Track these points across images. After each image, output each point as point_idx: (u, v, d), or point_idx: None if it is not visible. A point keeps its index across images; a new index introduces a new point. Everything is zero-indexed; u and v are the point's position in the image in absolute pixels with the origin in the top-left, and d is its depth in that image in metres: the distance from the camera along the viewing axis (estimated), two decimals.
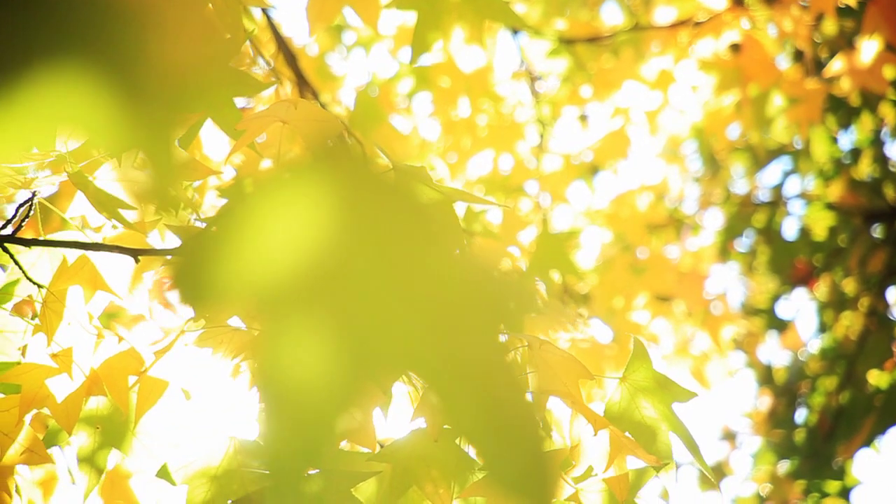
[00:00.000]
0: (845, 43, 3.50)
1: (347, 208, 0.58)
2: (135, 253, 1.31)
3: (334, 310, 0.60)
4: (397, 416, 1.36)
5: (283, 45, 2.48)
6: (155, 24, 0.55)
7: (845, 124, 4.59)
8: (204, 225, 1.27)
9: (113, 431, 1.36)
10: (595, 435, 1.28)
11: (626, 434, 1.34)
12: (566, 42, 3.59)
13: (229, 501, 1.32)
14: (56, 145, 1.35)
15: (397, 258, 0.58)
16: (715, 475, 5.26)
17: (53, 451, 1.40)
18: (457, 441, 1.34)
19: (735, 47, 3.23)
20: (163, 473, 1.36)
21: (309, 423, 0.60)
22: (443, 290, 0.57)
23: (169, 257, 1.33)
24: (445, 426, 1.31)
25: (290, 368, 0.61)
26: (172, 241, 1.38)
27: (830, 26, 3.58)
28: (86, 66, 0.56)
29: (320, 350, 0.60)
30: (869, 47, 3.12)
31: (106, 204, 1.29)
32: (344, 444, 1.37)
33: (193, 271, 0.59)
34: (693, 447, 1.36)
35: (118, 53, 0.56)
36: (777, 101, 3.28)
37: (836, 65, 3.19)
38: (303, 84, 2.69)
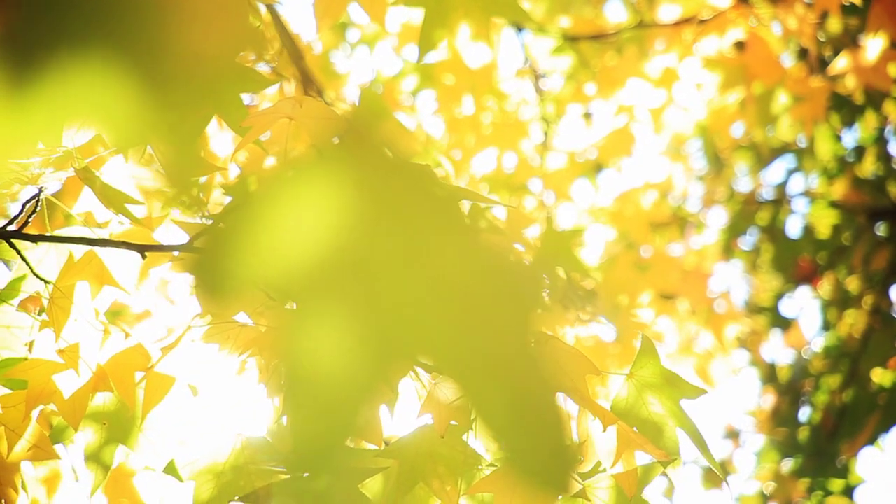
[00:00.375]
0: (850, 41, 3.50)
1: (370, 198, 0.58)
2: (141, 249, 1.31)
3: (356, 300, 0.59)
4: (404, 413, 1.36)
5: (288, 42, 2.48)
6: (181, 13, 0.55)
7: (849, 122, 4.59)
8: (214, 220, 1.27)
9: (119, 428, 1.36)
10: (604, 431, 1.28)
11: (634, 430, 1.33)
12: (570, 39, 3.59)
13: (236, 498, 1.32)
14: (63, 141, 1.35)
15: (418, 248, 0.57)
16: (721, 472, 5.26)
17: (57, 449, 1.40)
18: (464, 437, 1.34)
19: (739, 45, 3.23)
20: (169, 470, 1.36)
21: (331, 413, 0.60)
22: (465, 279, 0.57)
23: (176, 253, 1.33)
24: (453, 422, 1.31)
25: (312, 358, 0.60)
26: (180, 237, 1.38)
27: (835, 24, 3.57)
28: (110, 55, 0.56)
29: (342, 340, 0.60)
30: (874, 45, 3.11)
31: (113, 199, 1.29)
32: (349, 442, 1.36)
33: (214, 262, 0.59)
34: (701, 443, 1.36)
35: (143, 43, 0.56)
36: (781, 99, 3.28)
37: (841, 63, 3.19)
38: (307, 82, 2.69)
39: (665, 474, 1.35)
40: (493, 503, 1.29)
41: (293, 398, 0.61)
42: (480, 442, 1.32)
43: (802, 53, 3.70)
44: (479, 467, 1.35)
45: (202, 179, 1.90)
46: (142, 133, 0.56)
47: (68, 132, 1.25)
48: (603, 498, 1.32)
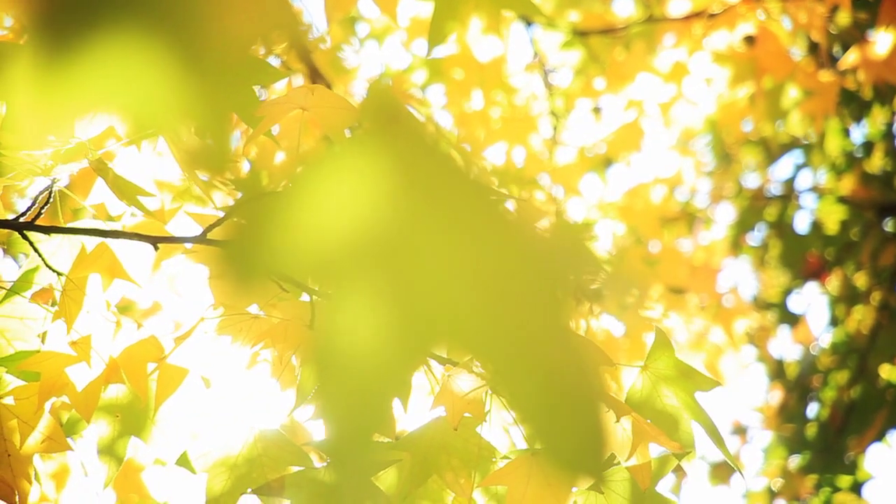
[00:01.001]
0: (860, 35, 3.49)
1: (403, 180, 0.57)
2: (154, 240, 1.30)
3: (389, 282, 0.59)
4: (416, 406, 1.35)
5: (296, 36, 2.47)
6: None
7: (857, 118, 4.58)
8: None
9: (132, 420, 1.36)
10: (617, 422, 1.27)
11: (648, 422, 1.33)
12: (580, 34, 3.58)
13: (248, 490, 1.31)
14: (77, 131, 1.35)
15: (451, 230, 0.57)
16: (728, 468, 5.25)
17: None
18: (478, 429, 1.34)
19: (749, 39, 3.22)
20: (182, 462, 1.35)
21: (365, 399, 0.59)
22: (500, 260, 0.56)
23: (189, 245, 1.33)
24: (467, 414, 1.30)
25: (344, 344, 0.60)
26: (192, 230, 1.37)
27: (845, 18, 3.56)
28: (147, 33, 0.55)
29: (375, 323, 0.59)
30: (884, 39, 3.10)
31: (125, 191, 1.28)
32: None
33: (245, 248, 0.59)
34: (716, 436, 1.35)
35: (180, 22, 0.55)
36: (791, 93, 3.27)
37: (851, 57, 3.18)
38: (316, 76, 2.68)
39: (680, 467, 1.34)
40: (507, 496, 1.29)
41: (326, 385, 0.60)
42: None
43: (812, 48, 3.69)
44: (493, 459, 1.35)
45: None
46: (178, 114, 0.56)
47: (88, 120, 1.24)
48: (617, 491, 1.31)
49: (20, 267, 1.41)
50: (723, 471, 5.18)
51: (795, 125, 3.62)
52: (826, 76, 3.22)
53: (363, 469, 0.60)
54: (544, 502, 1.29)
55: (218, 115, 0.56)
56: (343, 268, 0.58)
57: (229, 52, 0.56)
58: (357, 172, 0.58)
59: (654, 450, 1.31)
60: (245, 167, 2.28)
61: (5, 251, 1.41)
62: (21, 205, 1.97)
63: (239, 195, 1.35)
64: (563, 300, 0.56)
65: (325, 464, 1.31)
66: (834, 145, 4.73)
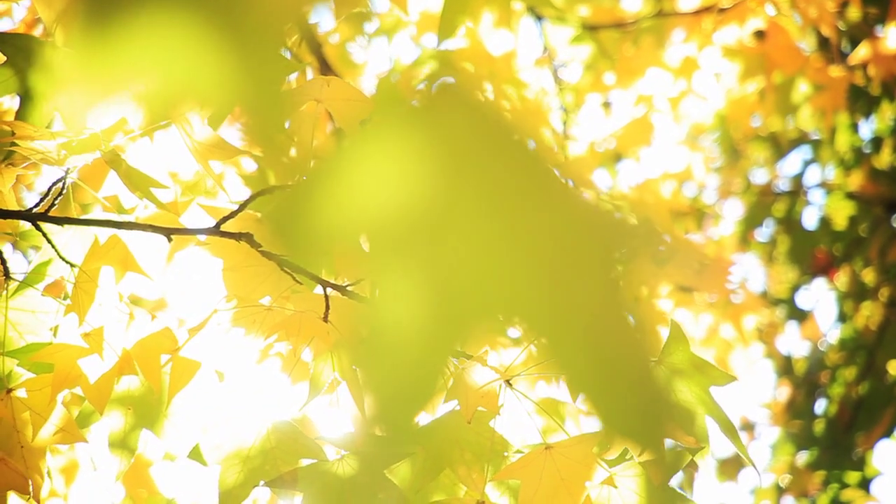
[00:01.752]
0: (870, 30, 3.47)
1: (454, 151, 0.57)
2: (167, 232, 1.30)
3: (443, 251, 0.58)
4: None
5: (307, 31, 2.47)
6: None
7: (866, 113, 4.57)
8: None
9: (145, 412, 1.36)
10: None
11: None
12: (589, 28, 3.57)
13: (261, 482, 1.31)
14: (88, 123, 1.34)
15: (505, 200, 0.56)
16: (736, 464, 5.25)
17: None
18: (491, 422, 1.33)
19: (759, 34, 3.21)
20: (194, 455, 1.35)
21: (413, 375, 0.59)
22: (554, 232, 0.56)
23: (202, 237, 1.32)
24: (481, 408, 1.29)
25: (393, 319, 0.59)
26: (205, 222, 1.37)
27: (855, 12, 3.55)
28: (198, 10, 0.55)
29: (425, 295, 0.59)
30: (894, 34, 3.09)
31: (138, 183, 1.28)
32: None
33: (294, 217, 0.58)
34: (731, 431, 1.34)
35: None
36: (801, 88, 3.26)
37: (861, 52, 3.17)
38: (326, 70, 2.68)
39: (693, 463, 1.34)
40: (521, 490, 1.28)
41: (373, 361, 0.60)
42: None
43: (822, 43, 3.68)
44: (506, 454, 1.34)
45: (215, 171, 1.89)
46: (228, 90, 0.55)
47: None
48: (630, 486, 1.31)
49: (29, 262, 1.40)
50: (731, 466, 5.17)
51: (805, 120, 3.62)
52: (836, 71, 3.21)
53: (410, 442, 0.60)
54: (558, 497, 1.28)
55: (268, 89, 0.55)
56: (395, 238, 0.57)
57: (269, 28, 0.55)
58: (408, 143, 0.57)
59: (667, 444, 1.31)
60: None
61: (14, 245, 1.40)
62: (29, 198, 1.96)
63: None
64: (618, 272, 0.56)
65: (339, 456, 1.31)
66: (842, 141, 4.72)
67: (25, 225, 1.36)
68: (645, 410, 0.57)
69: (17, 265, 1.41)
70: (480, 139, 0.58)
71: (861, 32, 3.51)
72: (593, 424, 1.42)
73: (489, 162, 0.57)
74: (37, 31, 2.26)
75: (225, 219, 1.31)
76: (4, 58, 1.41)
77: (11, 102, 2.30)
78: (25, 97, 1.40)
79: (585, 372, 0.58)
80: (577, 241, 0.57)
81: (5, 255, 1.35)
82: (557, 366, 0.60)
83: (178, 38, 0.56)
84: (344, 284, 1.32)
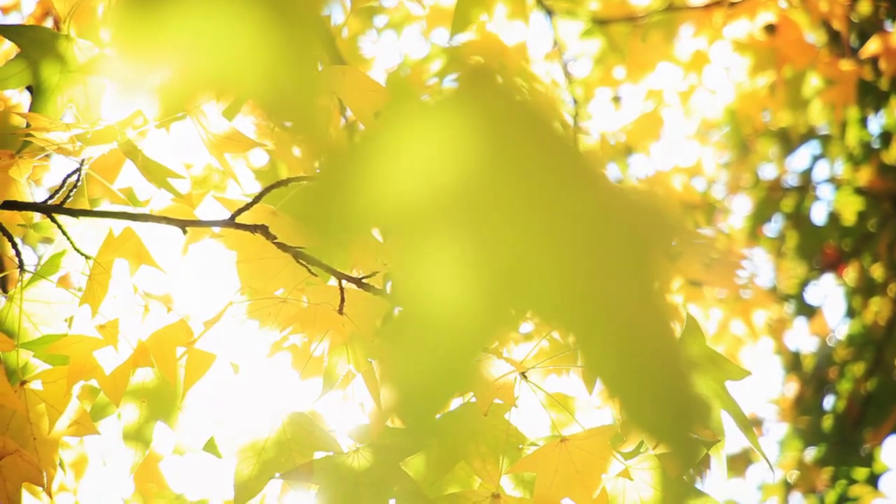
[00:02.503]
0: (881, 24, 3.47)
1: (489, 137, 0.57)
2: (183, 224, 1.30)
3: (474, 241, 0.58)
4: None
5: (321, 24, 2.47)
6: None
7: (875, 108, 4.56)
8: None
9: (159, 404, 1.35)
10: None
11: None
12: (599, 23, 3.57)
13: (276, 475, 1.31)
14: (102, 114, 1.34)
15: (542, 189, 0.56)
16: (744, 460, 5.25)
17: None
18: (506, 415, 1.33)
19: (770, 28, 3.20)
20: (209, 447, 1.35)
21: (443, 364, 0.59)
22: (592, 222, 0.55)
23: (217, 229, 1.32)
24: (497, 400, 1.29)
25: (423, 306, 0.59)
26: (220, 214, 1.36)
27: (865, 6, 3.54)
28: None
29: (459, 282, 0.58)
30: None
31: (155, 173, 1.28)
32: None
33: (328, 200, 0.58)
34: (746, 426, 1.34)
35: None
36: (812, 82, 3.25)
37: (872, 47, 3.16)
38: (338, 63, 2.67)
39: (707, 457, 1.33)
40: (536, 483, 1.28)
41: (400, 350, 0.59)
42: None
43: (833, 37, 3.67)
44: (521, 446, 1.34)
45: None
46: (267, 65, 0.55)
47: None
48: (645, 479, 1.30)
49: (39, 255, 1.40)
50: (738, 462, 5.17)
51: (815, 115, 3.61)
52: (846, 65, 3.20)
53: (426, 435, 0.59)
54: (573, 489, 1.28)
55: (304, 66, 0.55)
56: (427, 224, 0.57)
57: (308, 9, 0.55)
58: (444, 127, 0.57)
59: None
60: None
61: (23, 239, 1.40)
62: (37, 193, 1.96)
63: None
64: (654, 266, 0.55)
65: (354, 449, 1.31)
66: (851, 136, 4.71)
67: (34, 217, 1.36)
68: (677, 411, 0.57)
69: (27, 258, 1.40)
70: (518, 124, 0.57)
71: (871, 27, 3.51)
72: (606, 417, 1.41)
73: (528, 148, 0.57)
74: (45, 25, 2.25)
75: (240, 211, 1.30)
76: (18, 49, 1.40)
77: (20, 97, 2.30)
78: (38, 89, 1.39)
79: (617, 368, 0.58)
80: (616, 234, 0.57)
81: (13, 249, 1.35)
82: (586, 360, 0.60)
83: (219, 15, 0.56)
84: (359, 277, 1.32)
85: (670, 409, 0.57)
